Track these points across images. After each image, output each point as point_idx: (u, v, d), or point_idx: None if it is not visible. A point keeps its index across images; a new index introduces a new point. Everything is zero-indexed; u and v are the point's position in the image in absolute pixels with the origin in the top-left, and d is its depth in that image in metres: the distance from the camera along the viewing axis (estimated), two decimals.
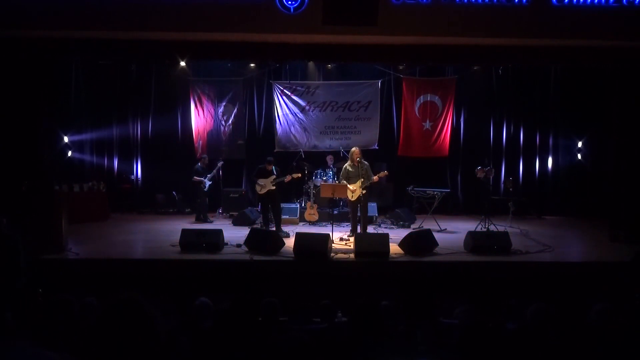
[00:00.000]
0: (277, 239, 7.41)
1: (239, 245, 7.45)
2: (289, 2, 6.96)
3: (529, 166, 11.67)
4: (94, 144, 11.59)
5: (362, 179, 8.12)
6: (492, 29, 7.16)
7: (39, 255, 6.76)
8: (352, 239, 7.76)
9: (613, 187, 8.63)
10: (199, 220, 10.06)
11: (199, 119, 11.54)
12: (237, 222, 9.77)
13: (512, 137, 11.67)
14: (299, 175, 9.19)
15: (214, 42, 7.76)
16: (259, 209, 9.75)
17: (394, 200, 11.04)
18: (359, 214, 8.37)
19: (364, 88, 11.38)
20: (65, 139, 11.04)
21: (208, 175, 10.11)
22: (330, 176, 10.18)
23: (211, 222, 10.09)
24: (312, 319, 4.15)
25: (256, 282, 6.33)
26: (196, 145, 11.53)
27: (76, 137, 11.28)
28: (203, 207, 10.17)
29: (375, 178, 8.20)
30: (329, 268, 6.72)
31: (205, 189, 10.08)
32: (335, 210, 9.35)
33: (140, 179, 11.85)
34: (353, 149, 8.37)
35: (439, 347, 3.16)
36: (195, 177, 10.03)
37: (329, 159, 10.66)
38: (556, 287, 6.16)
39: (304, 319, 4.07)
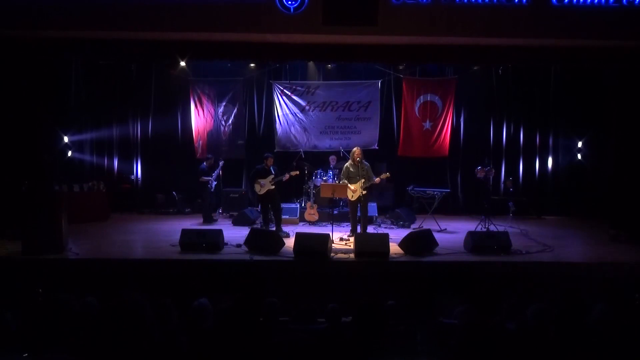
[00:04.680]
0: (277, 239, 7.41)
1: (239, 245, 7.45)
2: (289, 2, 6.96)
3: (529, 166, 11.67)
4: (94, 144, 11.59)
5: (363, 180, 8.13)
6: (492, 29, 7.16)
7: (39, 255, 6.77)
8: (352, 239, 7.76)
9: (613, 187, 8.63)
10: (207, 221, 10.02)
11: (199, 119, 11.54)
12: (237, 222, 9.77)
13: (512, 137, 11.67)
14: (297, 172, 9.19)
15: (214, 42, 7.76)
16: (259, 209, 9.75)
17: (394, 200, 11.05)
18: (359, 214, 8.37)
19: (364, 88, 11.38)
20: (65, 139, 11.03)
21: (213, 175, 10.10)
22: (330, 176, 10.18)
23: (216, 221, 10.13)
24: (314, 320, 4.15)
25: (256, 282, 6.33)
26: (196, 145, 11.53)
27: (76, 137, 11.27)
28: (209, 207, 10.16)
29: (377, 180, 8.19)
30: (329, 268, 6.72)
31: (212, 189, 10.08)
32: (335, 210, 9.35)
33: (140, 179, 11.85)
34: (354, 148, 8.36)
35: (439, 347, 3.16)
36: (203, 177, 9.99)
37: (332, 160, 10.67)
38: (556, 287, 6.16)
39: (305, 320, 4.07)
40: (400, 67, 11.22)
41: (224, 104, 11.52)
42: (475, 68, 11.07)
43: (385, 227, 9.50)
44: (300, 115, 11.46)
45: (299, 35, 7.38)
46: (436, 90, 11.25)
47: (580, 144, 11.45)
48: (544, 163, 11.63)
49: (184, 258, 6.97)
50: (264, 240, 7.32)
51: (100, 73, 10.96)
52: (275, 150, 11.14)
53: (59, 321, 3.21)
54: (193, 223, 9.81)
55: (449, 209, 11.07)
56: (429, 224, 9.29)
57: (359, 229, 8.29)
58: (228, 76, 11.46)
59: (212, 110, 11.54)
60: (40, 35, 7.27)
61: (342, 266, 6.78)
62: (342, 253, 7.12)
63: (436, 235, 7.59)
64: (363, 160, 8.27)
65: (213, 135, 11.61)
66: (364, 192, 8.17)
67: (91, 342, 2.87)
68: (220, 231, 7.55)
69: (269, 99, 11.68)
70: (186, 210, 11.30)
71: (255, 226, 8.91)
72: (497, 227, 8.78)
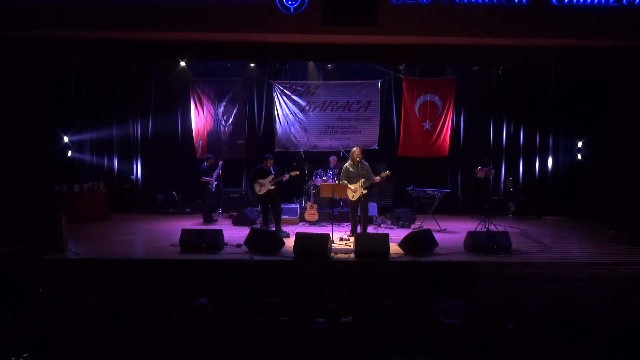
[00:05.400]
0: (277, 239, 7.42)
1: (239, 245, 7.45)
2: (289, 2, 6.96)
3: (529, 166, 11.66)
4: (94, 144, 11.58)
5: (363, 179, 8.13)
6: (492, 29, 7.16)
7: (39, 255, 6.77)
8: (352, 239, 7.76)
9: (613, 187, 8.63)
10: (207, 221, 10.01)
11: (199, 119, 11.54)
12: (237, 222, 9.77)
13: (512, 137, 11.67)
14: (297, 172, 9.18)
15: (214, 42, 7.76)
16: (259, 209, 9.75)
17: (394, 200, 11.04)
18: (359, 214, 8.37)
19: (364, 88, 11.38)
20: (65, 139, 11.04)
21: (213, 175, 10.09)
22: (330, 176, 10.18)
23: (216, 221, 10.13)
24: (314, 320, 4.15)
25: (256, 282, 6.34)
26: (196, 145, 11.53)
27: (76, 137, 11.27)
28: (209, 208, 10.15)
29: (377, 179, 8.20)
30: (329, 268, 6.72)
31: (213, 189, 10.08)
32: (335, 210, 9.35)
33: (140, 179, 11.84)
34: (354, 148, 8.38)
35: (439, 347, 3.16)
36: (204, 177, 9.98)
37: (332, 160, 10.66)
38: (556, 287, 6.16)
39: (305, 320, 4.07)
40: (400, 67, 11.21)
41: (224, 104, 11.51)
42: (475, 68, 11.06)
43: (385, 227, 9.51)
44: (300, 115, 11.45)
45: (299, 35, 7.37)
46: (436, 90, 11.24)
47: (580, 144, 11.45)
48: (544, 163, 11.62)
49: (184, 258, 6.98)
50: (264, 240, 7.33)
51: (100, 73, 10.95)
52: (275, 150, 11.14)
53: (59, 321, 3.21)
54: (193, 223, 9.81)
55: (449, 209, 11.06)
56: (429, 224, 9.29)
57: (359, 229, 8.29)
58: (228, 76, 11.46)
59: (212, 110, 11.54)
60: (39, 35, 7.27)
61: (342, 266, 6.79)
62: (342, 253, 7.12)
63: (436, 235, 7.60)
64: (362, 160, 8.27)
65: (213, 135, 11.60)
66: (365, 192, 8.17)
67: (91, 342, 2.87)
68: (220, 231, 7.56)
69: (269, 99, 11.67)
70: (186, 210, 11.30)
71: (255, 226, 8.91)
72: (497, 227, 8.79)
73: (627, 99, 8.32)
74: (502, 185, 11.41)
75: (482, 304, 4.70)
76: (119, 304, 2.86)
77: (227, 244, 7.54)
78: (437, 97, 11.23)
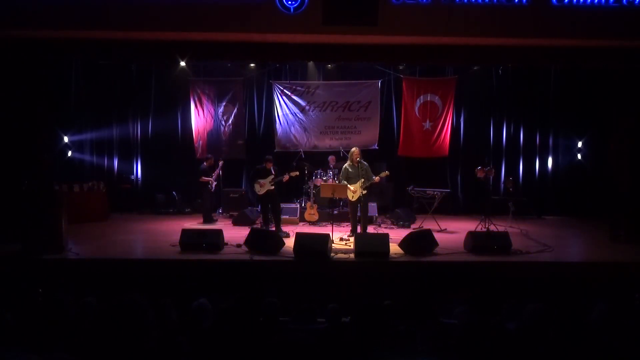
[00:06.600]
0: (277, 239, 7.42)
1: (239, 245, 7.45)
2: (289, 2, 6.96)
3: (529, 166, 11.67)
4: (94, 144, 11.59)
5: (363, 179, 8.13)
6: (492, 29, 7.15)
7: (39, 255, 6.77)
8: (352, 239, 7.76)
9: (613, 187, 8.63)
10: (207, 221, 10.00)
11: (199, 119, 11.55)
12: (237, 222, 9.77)
13: (512, 137, 11.68)
14: (297, 173, 9.18)
15: (214, 42, 7.75)
16: (259, 209, 9.75)
17: (394, 200, 11.05)
18: (359, 214, 8.37)
19: (364, 88, 11.38)
20: (65, 139, 11.04)
21: (213, 175, 10.09)
22: (330, 176, 10.18)
23: (216, 221, 10.13)
24: (314, 320, 4.15)
25: (256, 282, 6.33)
26: (196, 145, 11.54)
27: (76, 137, 11.28)
28: (209, 208, 10.15)
29: (376, 179, 8.20)
30: (329, 268, 6.72)
31: (213, 189, 10.07)
32: (335, 210, 9.35)
33: (140, 179, 11.85)
34: (353, 149, 8.38)
35: (439, 347, 3.16)
36: (203, 177, 9.97)
37: (331, 160, 10.67)
38: (556, 287, 6.16)
39: (305, 320, 4.07)
40: (400, 67, 11.23)
41: (224, 104, 11.52)
42: (475, 68, 11.07)
43: (385, 227, 9.50)
44: (300, 115, 11.46)
45: (299, 35, 7.37)
46: (436, 90, 11.25)
47: (580, 144, 11.46)
48: (544, 163, 11.63)
49: (184, 258, 6.97)
50: (264, 240, 7.32)
51: (100, 73, 10.96)
52: (275, 150, 11.15)
53: (58, 321, 3.21)
54: (193, 223, 9.81)
55: (449, 209, 11.07)
56: (429, 224, 9.29)
57: (359, 229, 8.29)
58: (228, 76, 11.47)
59: (212, 110, 11.55)
60: (40, 35, 7.27)
61: (342, 266, 6.78)
62: (342, 253, 7.12)
63: (436, 235, 7.59)
64: (362, 161, 8.28)
65: (213, 135, 11.61)
66: (364, 192, 8.17)
67: (91, 342, 2.87)
68: (220, 231, 7.56)
69: (269, 99, 11.68)
70: (186, 210, 11.30)
71: (255, 226, 8.91)
72: (497, 227, 8.79)
73: (627, 99, 8.32)
74: (502, 185, 11.42)
75: (482, 304, 4.69)
76: (118, 304, 2.86)
77: (227, 244, 7.53)
78: (437, 97, 11.24)
